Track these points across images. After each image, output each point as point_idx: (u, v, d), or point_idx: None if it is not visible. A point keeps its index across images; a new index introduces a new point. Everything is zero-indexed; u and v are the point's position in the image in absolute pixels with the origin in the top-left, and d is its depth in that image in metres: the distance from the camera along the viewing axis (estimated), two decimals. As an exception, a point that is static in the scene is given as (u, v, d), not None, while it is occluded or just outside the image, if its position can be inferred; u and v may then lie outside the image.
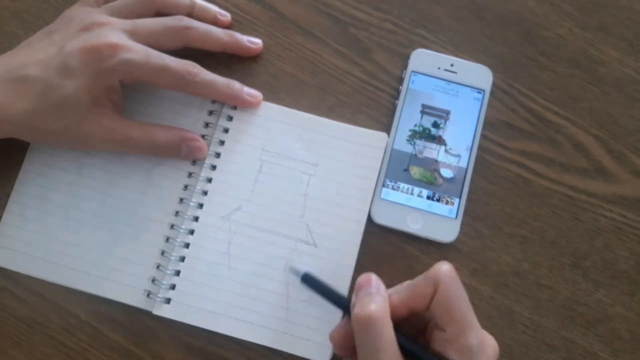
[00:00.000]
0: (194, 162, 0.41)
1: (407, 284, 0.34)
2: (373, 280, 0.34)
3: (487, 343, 0.32)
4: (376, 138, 0.41)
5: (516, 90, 0.44)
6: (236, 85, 0.41)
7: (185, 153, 0.40)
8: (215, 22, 0.43)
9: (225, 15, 0.43)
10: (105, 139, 0.38)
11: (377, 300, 0.32)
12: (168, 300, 0.39)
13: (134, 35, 0.38)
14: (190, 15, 0.41)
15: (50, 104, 0.36)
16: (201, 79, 0.39)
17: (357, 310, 0.32)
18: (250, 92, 0.41)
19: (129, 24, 0.38)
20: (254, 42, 0.43)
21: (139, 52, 0.36)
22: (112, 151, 0.41)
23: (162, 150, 0.40)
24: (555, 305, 0.41)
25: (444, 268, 0.32)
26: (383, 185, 0.41)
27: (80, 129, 0.37)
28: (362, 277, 0.34)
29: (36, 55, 0.37)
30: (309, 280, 0.36)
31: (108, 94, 0.38)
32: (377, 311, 0.31)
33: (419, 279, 0.33)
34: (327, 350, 0.38)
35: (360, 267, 0.40)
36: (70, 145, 0.40)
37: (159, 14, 0.41)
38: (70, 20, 0.39)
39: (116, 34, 0.37)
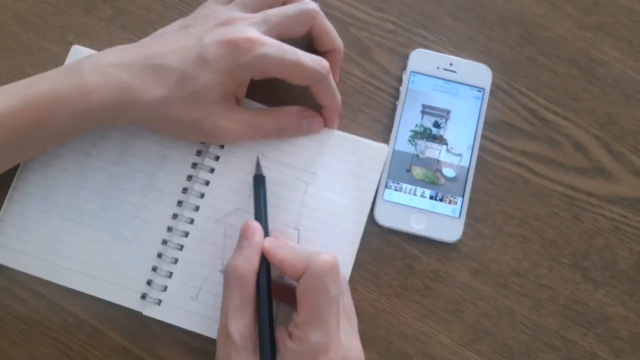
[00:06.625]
0: (194, 165, 0.41)
1: (290, 247, 0.35)
2: (249, 231, 0.36)
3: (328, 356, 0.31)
4: (376, 150, 0.41)
5: (516, 90, 0.44)
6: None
7: (306, 128, 0.41)
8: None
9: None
10: (236, 131, 0.38)
11: (245, 255, 0.34)
12: (159, 302, 0.39)
13: (267, 24, 0.38)
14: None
15: (184, 93, 0.36)
16: (331, 78, 0.39)
17: (227, 260, 0.35)
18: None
19: (260, 16, 0.38)
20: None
21: (274, 46, 0.36)
22: (236, 142, 0.41)
23: (287, 132, 0.40)
24: (555, 305, 0.41)
25: (324, 258, 0.33)
26: (386, 187, 0.41)
27: (211, 123, 0.37)
28: (244, 225, 0.36)
29: (173, 45, 0.37)
30: (257, 182, 0.39)
31: (236, 89, 0.38)
32: (241, 267, 0.34)
33: (300, 255, 0.34)
34: None
35: (360, 267, 0.40)
36: (199, 137, 0.40)
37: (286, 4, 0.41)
38: (205, 16, 0.39)
39: (252, 29, 0.37)
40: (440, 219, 0.41)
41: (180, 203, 0.40)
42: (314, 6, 0.39)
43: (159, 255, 0.40)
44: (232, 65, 0.36)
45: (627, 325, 0.40)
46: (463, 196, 0.41)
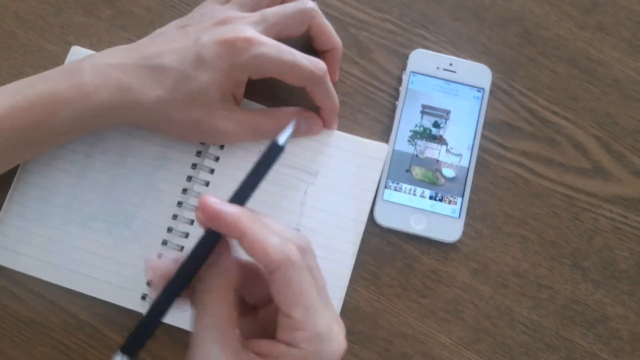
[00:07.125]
0: (194, 166, 0.41)
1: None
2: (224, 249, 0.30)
3: (334, 336, 0.29)
4: (376, 149, 0.41)
5: (516, 90, 0.44)
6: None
7: (305, 129, 0.41)
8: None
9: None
10: (235, 132, 0.38)
11: (219, 275, 0.30)
12: None
13: (265, 23, 0.38)
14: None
15: (183, 94, 0.36)
16: (328, 80, 0.39)
17: (199, 286, 0.30)
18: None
19: (257, 15, 0.38)
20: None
21: (272, 46, 0.37)
22: (236, 142, 0.41)
23: None
24: (554, 305, 0.41)
25: (288, 251, 0.28)
26: (385, 187, 0.41)
27: (210, 123, 0.37)
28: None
29: (171, 45, 0.37)
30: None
31: (234, 89, 0.38)
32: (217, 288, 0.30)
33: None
34: None
35: (360, 267, 0.40)
36: (198, 137, 0.40)
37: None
38: (203, 15, 0.39)
39: (249, 28, 0.37)
40: (440, 219, 0.41)
41: (180, 204, 0.40)
42: (312, 5, 0.39)
43: (159, 256, 0.40)
44: (229, 64, 0.36)
45: (627, 325, 0.41)
46: (463, 196, 0.41)
